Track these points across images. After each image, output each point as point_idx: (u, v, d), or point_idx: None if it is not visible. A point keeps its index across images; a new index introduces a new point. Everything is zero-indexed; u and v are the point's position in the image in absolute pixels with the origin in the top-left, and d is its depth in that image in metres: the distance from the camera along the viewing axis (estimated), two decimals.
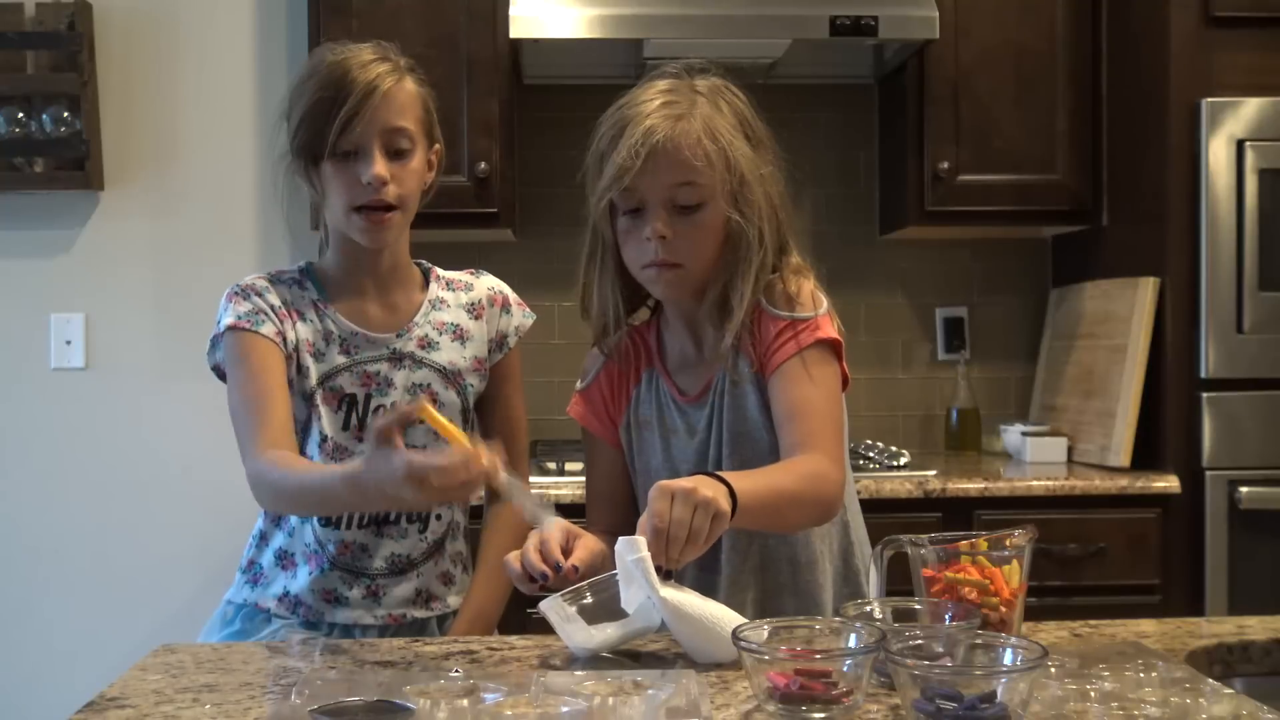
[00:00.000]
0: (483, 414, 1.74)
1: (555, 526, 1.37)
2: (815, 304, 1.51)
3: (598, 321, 1.58)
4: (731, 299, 1.49)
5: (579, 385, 1.66)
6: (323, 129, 1.55)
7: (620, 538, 1.26)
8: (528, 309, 1.78)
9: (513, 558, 1.36)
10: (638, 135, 1.44)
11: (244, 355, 1.58)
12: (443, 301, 1.71)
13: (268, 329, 1.58)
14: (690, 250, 1.48)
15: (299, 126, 1.57)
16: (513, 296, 1.77)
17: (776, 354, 1.48)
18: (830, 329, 1.50)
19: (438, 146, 1.67)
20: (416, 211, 1.66)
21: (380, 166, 1.55)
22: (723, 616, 1.26)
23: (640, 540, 1.24)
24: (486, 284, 1.76)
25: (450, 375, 1.68)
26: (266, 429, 1.53)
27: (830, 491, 1.44)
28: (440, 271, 1.75)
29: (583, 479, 1.73)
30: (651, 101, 1.47)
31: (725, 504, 1.27)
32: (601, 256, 1.56)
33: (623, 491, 1.63)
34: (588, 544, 1.38)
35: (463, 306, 1.72)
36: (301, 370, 1.61)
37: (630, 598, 1.27)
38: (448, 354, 1.68)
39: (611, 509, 1.61)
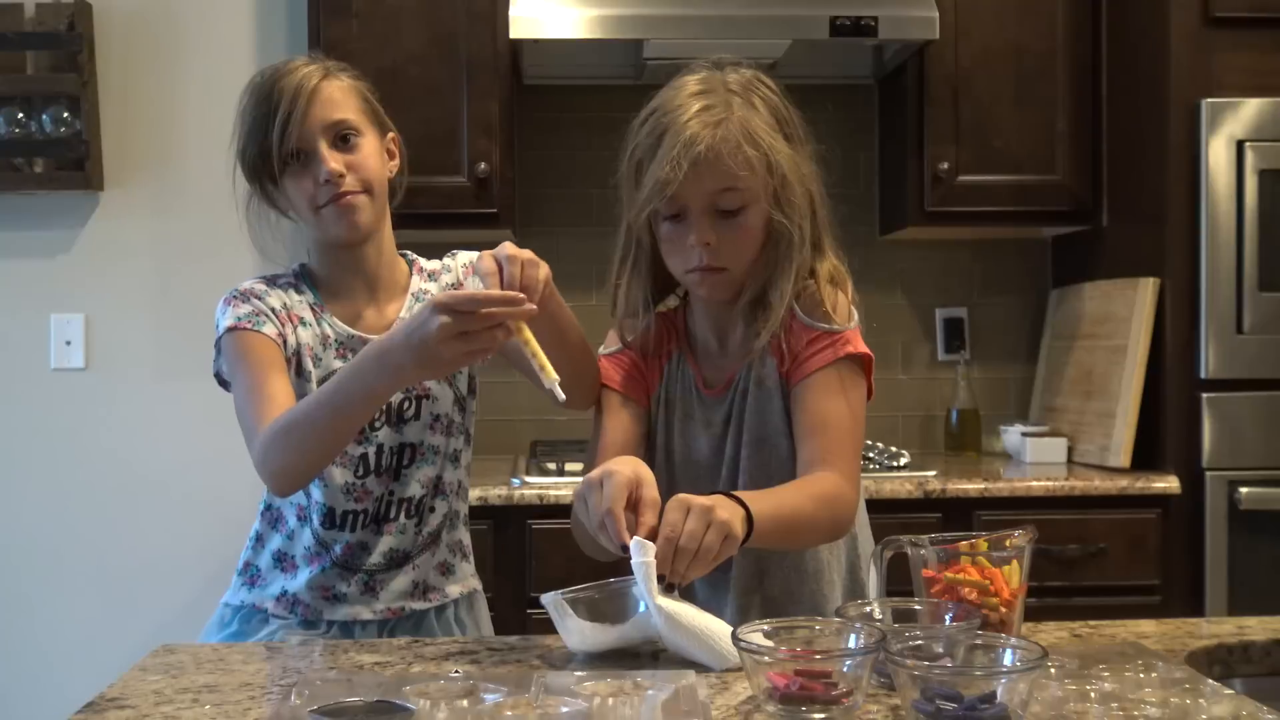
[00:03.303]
0: (516, 361, 1.67)
1: (619, 483, 1.27)
2: (849, 317, 1.50)
3: (625, 320, 1.58)
4: (771, 297, 1.48)
5: (605, 350, 1.61)
6: (264, 141, 1.55)
7: (634, 538, 1.25)
8: None
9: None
10: (678, 147, 1.42)
11: (245, 353, 1.56)
12: (425, 293, 1.70)
13: (269, 329, 1.58)
14: (734, 254, 1.47)
15: (244, 149, 1.58)
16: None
17: (807, 364, 1.48)
18: (862, 344, 1.50)
19: (392, 134, 1.66)
20: (393, 211, 1.66)
21: (333, 161, 1.56)
22: (717, 629, 1.26)
23: (651, 545, 1.24)
24: (461, 260, 1.75)
25: None
26: (270, 412, 1.49)
27: (845, 514, 1.45)
28: (423, 263, 1.74)
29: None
30: (688, 108, 1.45)
31: (740, 529, 1.27)
32: (635, 260, 1.55)
33: (641, 451, 1.57)
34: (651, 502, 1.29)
35: (444, 290, 1.71)
36: (302, 374, 1.60)
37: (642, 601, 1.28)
38: None
39: None
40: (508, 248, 1.37)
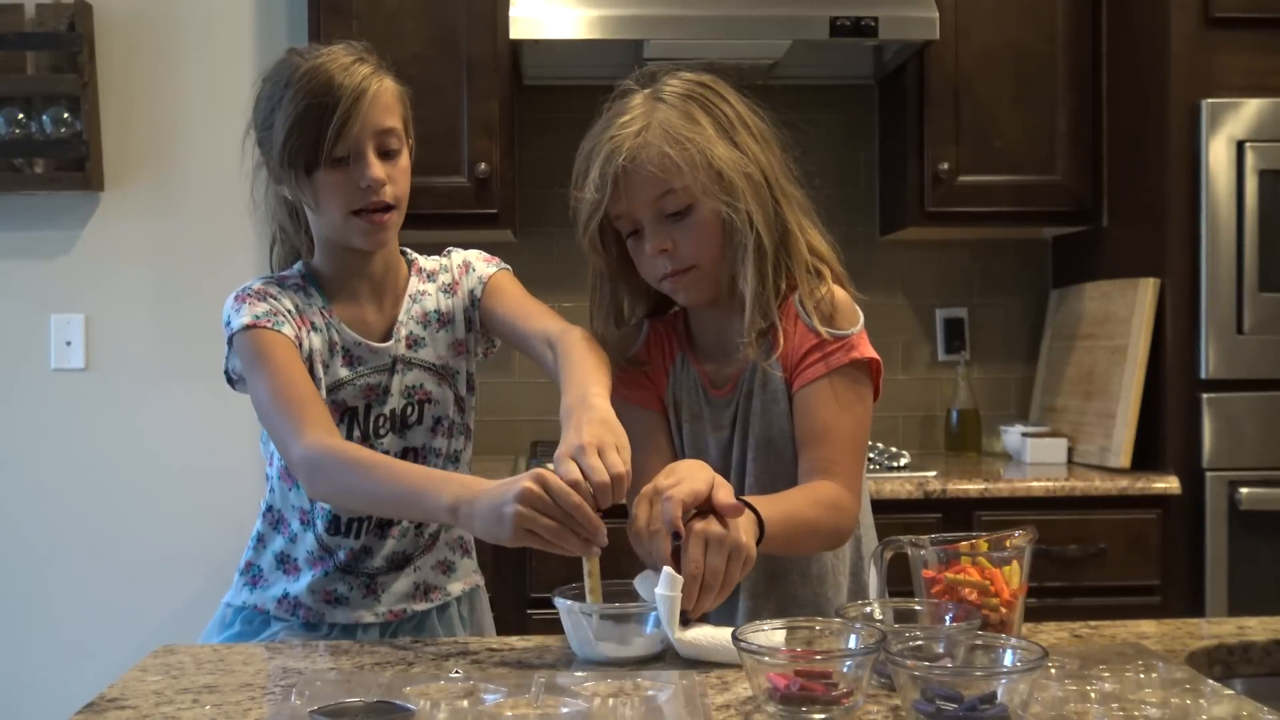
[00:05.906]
0: (518, 345, 1.68)
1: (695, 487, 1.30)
2: (854, 321, 1.50)
3: (615, 351, 1.57)
4: (740, 287, 1.48)
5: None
6: (315, 138, 1.52)
7: (664, 569, 1.25)
8: (497, 262, 1.74)
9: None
10: (598, 166, 1.45)
11: (267, 352, 1.53)
12: (423, 293, 1.70)
13: (288, 330, 1.56)
14: (694, 251, 1.48)
15: (287, 137, 1.54)
16: (474, 257, 1.74)
17: (808, 370, 1.48)
18: (868, 348, 1.49)
19: (410, 141, 1.67)
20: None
21: (377, 169, 1.55)
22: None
23: (679, 580, 1.25)
24: (457, 260, 1.74)
25: (441, 371, 1.67)
26: (311, 414, 1.48)
27: (846, 522, 1.46)
28: (422, 262, 1.73)
29: None
30: (607, 129, 1.47)
31: (754, 547, 1.28)
32: (601, 286, 1.57)
33: (669, 453, 1.57)
34: None
35: (440, 289, 1.71)
36: (313, 380, 1.59)
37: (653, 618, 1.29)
38: (434, 348, 1.67)
39: None
40: (591, 457, 1.29)
